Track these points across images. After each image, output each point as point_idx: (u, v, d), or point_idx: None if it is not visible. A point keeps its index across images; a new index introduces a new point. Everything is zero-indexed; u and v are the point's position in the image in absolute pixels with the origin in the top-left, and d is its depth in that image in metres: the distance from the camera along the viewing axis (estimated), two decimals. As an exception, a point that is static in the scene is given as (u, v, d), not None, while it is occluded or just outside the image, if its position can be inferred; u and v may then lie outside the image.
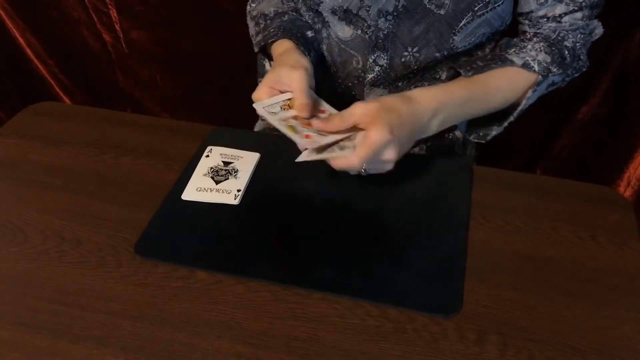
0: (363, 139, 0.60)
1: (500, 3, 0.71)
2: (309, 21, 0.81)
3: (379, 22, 0.73)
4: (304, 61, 0.70)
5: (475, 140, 0.76)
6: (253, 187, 0.68)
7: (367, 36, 0.76)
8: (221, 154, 0.72)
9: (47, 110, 0.83)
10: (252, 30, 0.86)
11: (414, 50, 0.75)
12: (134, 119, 0.82)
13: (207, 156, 0.72)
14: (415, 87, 0.81)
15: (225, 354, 0.52)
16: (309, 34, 0.79)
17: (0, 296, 0.58)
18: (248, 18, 0.88)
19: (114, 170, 0.72)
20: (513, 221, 0.64)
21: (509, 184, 0.69)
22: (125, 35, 1.32)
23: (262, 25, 0.82)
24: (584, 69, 0.75)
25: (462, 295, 0.56)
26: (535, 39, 0.72)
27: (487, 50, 0.79)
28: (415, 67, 0.77)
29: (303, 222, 0.64)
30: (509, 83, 0.71)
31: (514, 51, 0.71)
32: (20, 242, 0.63)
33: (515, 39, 0.74)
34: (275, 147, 0.73)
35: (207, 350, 0.52)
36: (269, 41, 0.76)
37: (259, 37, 0.81)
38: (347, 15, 0.75)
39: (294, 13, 0.82)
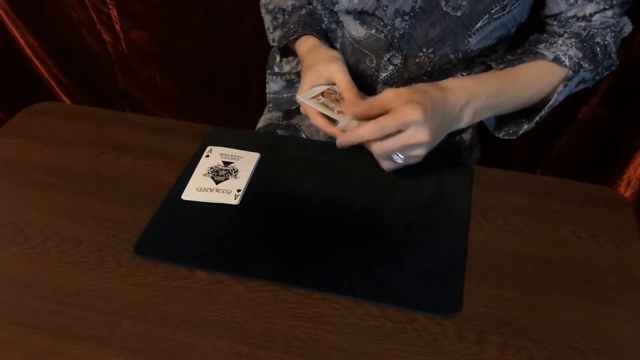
0: (393, 112, 0.59)
1: (516, 5, 0.70)
2: (325, 20, 0.82)
3: (395, 21, 0.73)
4: (336, 53, 0.72)
5: (506, 137, 0.75)
6: (253, 187, 0.68)
7: (382, 35, 0.76)
8: (221, 154, 0.72)
9: (47, 110, 0.83)
10: (267, 23, 0.87)
11: (429, 51, 0.75)
12: (134, 119, 0.82)
13: (207, 156, 0.72)
14: None
15: (225, 354, 0.52)
16: (324, 26, 0.81)
17: (0, 296, 0.58)
18: (263, 11, 0.89)
19: (114, 170, 0.72)
20: (513, 221, 0.64)
21: (509, 184, 0.69)
22: (125, 35, 1.32)
23: (280, 20, 0.83)
24: (614, 68, 0.74)
25: (462, 295, 0.56)
26: (566, 35, 0.71)
27: (500, 51, 0.79)
28: (429, 68, 0.77)
29: (303, 222, 0.64)
30: (539, 77, 0.70)
31: (545, 46, 0.70)
32: (20, 242, 0.63)
33: (544, 35, 0.73)
34: (275, 147, 0.74)
35: (207, 350, 0.52)
36: (291, 39, 0.77)
37: (278, 33, 0.83)
38: (361, 16, 0.76)
39: (310, 6, 0.83)
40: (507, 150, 1.17)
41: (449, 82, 0.66)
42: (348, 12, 0.76)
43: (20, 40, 1.39)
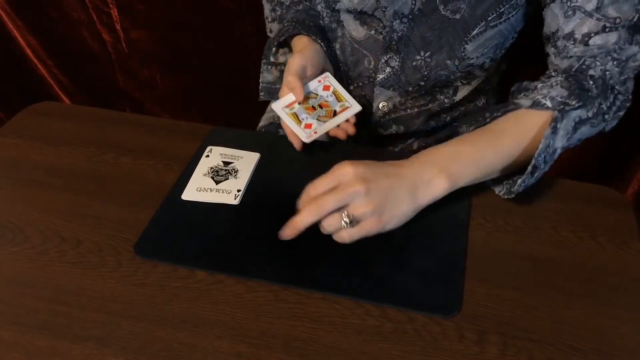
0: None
1: (514, 14, 0.70)
2: (326, 19, 0.82)
3: (394, 23, 0.73)
4: (314, 50, 0.75)
5: (505, 197, 0.65)
6: (253, 187, 0.68)
7: (381, 37, 0.76)
8: (221, 154, 0.72)
9: (47, 110, 0.83)
10: (267, 12, 0.89)
11: (426, 54, 0.75)
12: (134, 119, 0.82)
13: (207, 156, 0.72)
14: (428, 96, 0.81)
15: (225, 354, 0.52)
16: (322, 23, 0.82)
17: (0, 296, 0.58)
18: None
19: (114, 170, 0.72)
20: (513, 221, 0.64)
21: (509, 184, 0.69)
22: (125, 35, 1.32)
23: (277, 13, 0.85)
24: (628, 104, 0.65)
25: (462, 295, 0.56)
26: (553, 74, 0.65)
27: (499, 60, 0.78)
28: (426, 72, 0.76)
29: (303, 222, 0.64)
30: (518, 127, 0.63)
31: (523, 95, 0.65)
32: (20, 242, 0.63)
33: (525, 82, 0.66)
34: (275, 147, 0.73)
35: (207, 350, 0.52)
36: (281, 39, 0.79)
37: (275, 25, 0.86)
38: (361, 16, 0.76)
39: (307, 3, 0.83)
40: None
41: (405, 159, 0.61)
42: (349, 12, 0.77)
43: (20, 40, 1.39)
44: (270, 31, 0.90)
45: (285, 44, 0.83)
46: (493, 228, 0.63)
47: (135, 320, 0.55)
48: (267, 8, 0.89)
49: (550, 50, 0.69)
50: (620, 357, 0.51)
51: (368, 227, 0.57)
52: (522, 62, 0.87)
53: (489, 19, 0.70)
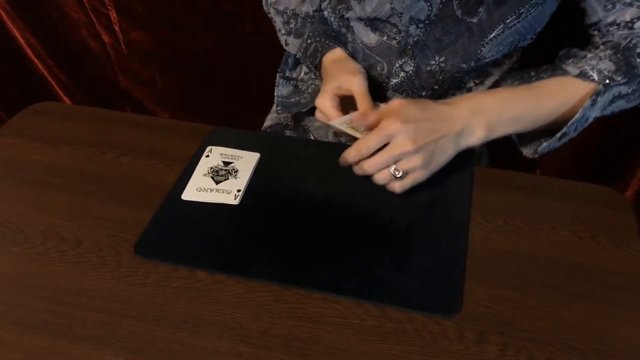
0: (376, 128, 0.62)
1: (532, 12, 0.68)
2: (334, 24, 0.82)
3: (409, 28, 0.73)
4: (359, 67, 0.74)
5: (529, 156, 0.70)
6: (253, 187, 0.68)
7: (394, 42, 0.75)
8: (221, 154, 0.72)
9: (47, 110, 0.83)
10: (279, 24, 0.88)
11: (441, 59, 0.74)
12: (134, 119, 0.82)
13: (207, 156, 0.72)
14: (440, 98, 0.80)
15: (225, 354, 0.52)
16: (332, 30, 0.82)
17: (0, 296, 0.58)
18: (272, 11, 0.88)
19: (114, 170, 0.72)
20: (513, 221, 0.64)
21: (509, 184, 0.69)
22: (124, 36, 1.32)
23: (291, 26, 0.84)
24: None
25: (462, 295, 0.56)
26: (602, 47, 0.67)
27: (514, 58, 0.77)
28: (440, 77, 0.76)
29: (303, 222, 0.64)
30: (562, 90, 0.66)
31: (572, 61, 0.67)
32: (21, 242, 0.63)
33: (574, 49, 0.68)
34: (275, 147, 0.74)
35: (207, 350, 0.52)
36: (320, 55, 0.79)
37: (292, 40, 0.85)
38: (373, 23, 0.75)
39: (316, 13, 0.84)
40: (507, 150, 1.17)
41: (456, 97, 0.66)
42: (360, 19, 0.76)
43: (21, 40, 1.39)
44: (287, 44, 0.88)
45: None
46: (493, 228, 0.63)
47: (135, 320, 0.55)
48: (278, 20, 0.88)
49: (594, 33, 0.70)
50: (620, 357, 0.51)
51: (418, 177, 0.63)
52: (538, 63, 0.87)
53: (508, 21, 0.68)
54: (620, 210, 0.65)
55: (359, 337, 0.53)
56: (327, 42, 0.79)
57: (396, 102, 0.62)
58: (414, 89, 0.79)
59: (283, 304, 0.56)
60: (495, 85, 0.81)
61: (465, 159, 0.66)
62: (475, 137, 0.64)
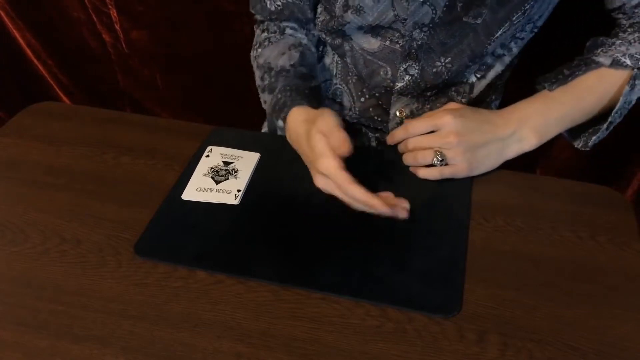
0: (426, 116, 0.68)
1: (535, 5, 0.68)
2: (328, 39, 0.80)
3: (413, 33, 0.72)
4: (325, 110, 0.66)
5: (582, 149, 0.71)
6: (253, 187, 0.68)
7: (397, 46, 0.75)
8: (221, 154, 0.72)
9: (47, 110, 0.83)
10: (258, 80, 0.81)
11: (447, 60, 0.74)
12: (134, 119, 0.82)
13: (207, 156, 0.72)
14: (445, 97, 0.80)
15: (225, 354, 0.52)
16: (314, 83, 0.75)
17: (0, 296, 0.58)
18: (254, 65, 0.83)
19: (114, 170, 0.72)
20: (513, 221, 0.64)
21: (509, 184, 0.69)
22: (125, 35, 1.32)
23: (266, 82, 0.77)
24: None
25: (462, 295, 0.56)
26: (630, 30, 0.68)
27: (514, 50, 0.76)
28: (447, 77, 0.76)
29: (303, 222, 0.64)
30: (599, 82, 0.67)
31: (601, 51, 0.67)
32: (21, 242, 0.63)
33: (601, 38, 0.69)
34: (275, 147, 0.73)
35: (207, 350, 0.52)
36: (282, 115, 0.71)
37: (267, 97, 0.77)
38: (374, 29, 0.74)
39: (297, 63, 0.76)
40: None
41: (502, 109, 0.69)
42: (360, 28, 0.75)
43: (20, 40, 1.39)
44: (264, 102, 0.80)
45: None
46: (493, 228, 0.63)
47: (135, 320, 0.55)
48: (257, 74, 0.81)
49: (619, 16, 0.70)
50: (620, 357, 0.51)
51: (458, 171, 0.66)
52: (537, 57, 0.86)
53: (514, 18, 0.68)
54: (620, 210, 0.65)
55: (359, 337, 0.53)
56: (297, 97, 0.70)
57: (451, 104, 0.68)
58: (419, 91, 0.78)
59: (283, 304, 0.56)
60: (498, 79, 0.81)
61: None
62: (528, 143, 0.67)
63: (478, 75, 0.79)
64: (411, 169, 0.69)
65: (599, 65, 0.66)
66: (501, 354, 0.52)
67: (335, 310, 0.55)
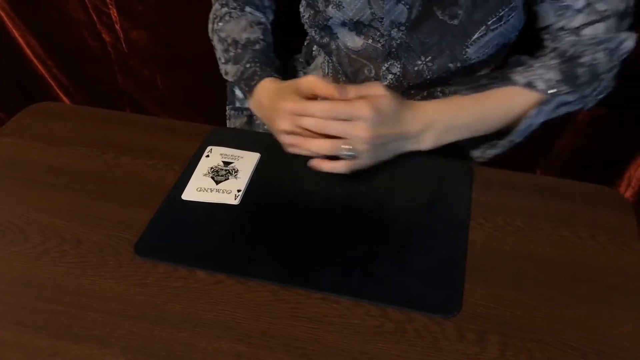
0: (350, 103, 0.62)
1: (513, 15, 0.69)
2: (316, 37, 0.81)
3: (392, 32, 0.73)
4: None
5: (477, 160, 0.74)
6: (253, 187, 0.68)
7: (379, 45, 0.75)
8: (221, 154, 0.72)
9: (47, 110, 0.83)
10: (219, 53, 0.82)
11: (427, 59, 0.74)
12: (134, 119, 0.82)
13: (207, 156, 0.72)
14: (430, 97, 0.80)
15: (225, 354, 0.52)
16: (277, 60, 0.79)
17: (0, 296, 0.58)
18: (215, 39, 0.84)
19: (114, 170, 0.72)
20: (513, 221, 0.64)
21: (509, 184, 0.69)
22: (125, 35, 1.32)
23: (231, 54, 0.78)
24: (610, 89, 0.70)
25: (462, 295, 0.56)
26: (551, 54, 0.69)
27: (501, 56, 0.77)
28: (429, 76, 0.76)
29: (303, 222, 0.64)
30: (508, 102, 0.69)
31: (521, 69, 0.68)
32: (21, 242, 0.63)
33: (524, 56, 0.71)
34: (275, 147, 0.73)
35: (207, 350, 0.52)
36: (253, 83, 0.73)
37: (231, 67, 0.78)
38: (357, 27, 0.75)
39: (264, 42, 0.79)
40: (507, 150, 1.17)
41: (420, 104, 0.68)
42: (343, 24, 0.75)
43: (20, 40, 1.39)
44: (226, 73, 0.81)
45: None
46: (493, 228, 0.63)
47: (135, 320, 0.55)
48: (219, 49, 0.82)
49: (545, 37, 0.71)
50: (620, 357, 0.51)
51: (362, 165, 0.65)
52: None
53: (489, 23, 0.69)
54: (620, 210, 0.65)
55: (359, 337, 0.53)
56: (267, 69, 0.74)
57: (378, 90, 0.63)
58: (403, 89, 0.79)
59: (283, 304, 0.56)
60: None
61: (465, 159, 0.66)
62: (423, 145, 0.68)
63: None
64: (311, 161, 0.65)
65: (514, 83, 0.67)
66: (501, 354, 0.52)
67: (335, 310, 0.55)
